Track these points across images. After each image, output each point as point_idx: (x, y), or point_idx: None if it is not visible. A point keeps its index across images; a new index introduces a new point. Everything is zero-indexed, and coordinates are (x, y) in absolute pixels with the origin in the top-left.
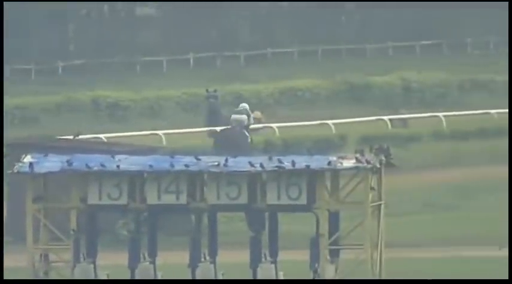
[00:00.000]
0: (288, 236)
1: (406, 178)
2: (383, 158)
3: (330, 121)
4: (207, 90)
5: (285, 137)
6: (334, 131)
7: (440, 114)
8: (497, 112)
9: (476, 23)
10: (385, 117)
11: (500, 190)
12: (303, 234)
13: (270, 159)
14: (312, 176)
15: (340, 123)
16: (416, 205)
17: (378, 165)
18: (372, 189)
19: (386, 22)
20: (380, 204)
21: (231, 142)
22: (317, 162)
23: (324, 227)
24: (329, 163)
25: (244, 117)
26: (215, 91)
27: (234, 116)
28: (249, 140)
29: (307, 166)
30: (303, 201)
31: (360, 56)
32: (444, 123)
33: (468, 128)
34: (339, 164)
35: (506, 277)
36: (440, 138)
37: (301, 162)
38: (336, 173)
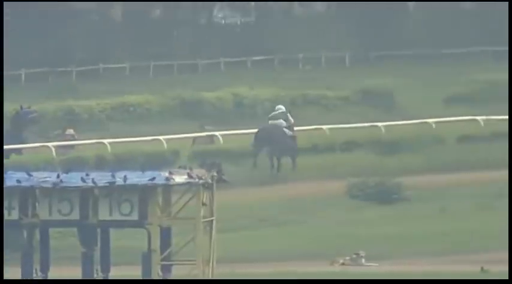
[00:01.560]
0: (120, 252)
1: (240, 193)
2: (215, 174)
3: (161, 137)
4: (21, 107)
5: (117, 153)
6: (166, 147)
7: None
8: (329, 128)
9: (308, 39)
10: (218, 133)
11: (332, 205)
12: (135, 250)
13: (103, 174)
14: (144, 192)
15: (172, 139)
16: (251, 220)
17: (210, 181)
18: (204, 204)
19: (219, 38)
20: (212, 220)
21: (271, 137)
22: (149, 177)
23: (156, 243)
24: (161, 178)
25: (280, 122)
26: (29, 107)
27: (270, 122)
28: (290, 135)
29: (139, 182)
30: (135, 216)
31: (191, 71)
32: None
33: (300, 144)
34: (171, 180)
35: None
36: None
37: (133, 177)
38: (167, 189)
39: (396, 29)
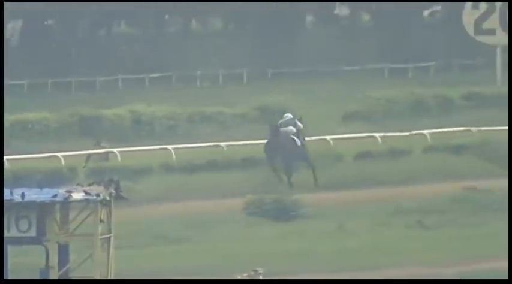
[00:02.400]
0: (17, 269)
1: (137, 210)
2: (113, 191)
3: (59, 154)
4: None
5: (15, 169)
6: (63, 163)
7: (169, 147)
8: (227, 145)
9: (205, 56)
10: (116, 150)
11: (230, 222)
12: (32, 267)
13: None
14: (42, 208)
15: (70, 156)
16: (148, 237)
17: (108, 198)
18: (102, 221)
19: (116, 56)
20: (110, 236)
21: (279, 147)
22: (47, 194)
23: (54, 260)
24: (58, 195)
25: (291, 128)
26: None
27: (281, 129)
28: (299, 144)
29: (37, 199)
30: (33, 233)
31: (89, 88)
32: (174, 155)
33: (197, 161)
34: (69, 196)
35: None
36: (169, 171)
37: (31, 194)
38: (65, 205)
39: (293, 45)
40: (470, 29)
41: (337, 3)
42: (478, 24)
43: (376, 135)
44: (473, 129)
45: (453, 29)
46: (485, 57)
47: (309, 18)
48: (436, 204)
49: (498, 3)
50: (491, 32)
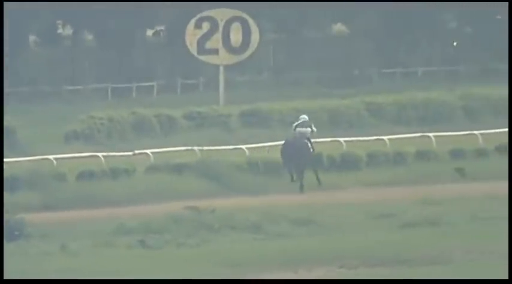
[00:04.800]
0: None
1: None
2: None
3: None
4: None
5: None
6: None
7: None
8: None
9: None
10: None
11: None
12: None
13: None
14: None
15: None
16: None
17: None
18: None
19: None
20: None
21: (294, 151)
22: None
23: None
24: None
25: (308, 130)
26: None
27: (298, 129)
28: (312, 150)
29: None
30: None
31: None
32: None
33: None
34: None
35: None
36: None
37: None
38: None
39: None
40: (193, 49)
41: (61, 22)
42: (200, 43)
43: (99, 154)
44: (195, 148)
45: (177, 49)
46: (208, 77)
47: (32, 37)
48: (158, 224)
49: (221, 23)
50: (214, 51)
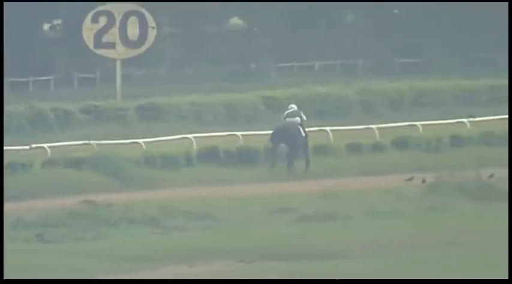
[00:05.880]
0: None
1: None
2: None
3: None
4: None
5: None
6: None
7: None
8: None
9: None
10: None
11: None
12: None
13: None
14: None
15: None
16: None
17: None
18: None
19: None
20: None
21: (287, 135)
22: None
23: None
24: None
25: (297, 119)
26: None
27: (288, 119)
28: (304, 135)
29: None
30: None
31: None
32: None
33: None
34: None
35: None
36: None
37: None
38: None
39: None
40: (90, 43)
41: None
42: (97, 37)
43: None
44: (92, 142)
45: (73, 43)
46: (105, 71)
47: None
48: (55, 218)
49: (118, 18)
50: (111, 45)
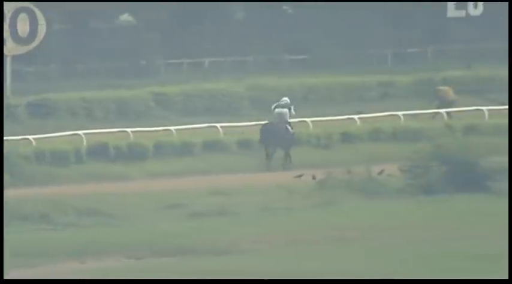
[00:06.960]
0: None
1: None
2: None
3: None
4: None
5: None
6: None
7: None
8: None
9: None
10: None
11: None
12: None
13: None
14: None
15: None
16: None
17: None
18: None
19: None
20: None
21: (275, 136)
22: None
23: None
24: None
25: (286, 110)
26: None
27: (277, 110)
28: (292, 132)
29: None
30: None
31: None
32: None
33: None
34: None
35: None
36: None
37: None
38: None
39: None
40: None
41: None
42: None
43: None
44: None
45: None
46: None
47: None
48: None
49: (8, 14)
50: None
